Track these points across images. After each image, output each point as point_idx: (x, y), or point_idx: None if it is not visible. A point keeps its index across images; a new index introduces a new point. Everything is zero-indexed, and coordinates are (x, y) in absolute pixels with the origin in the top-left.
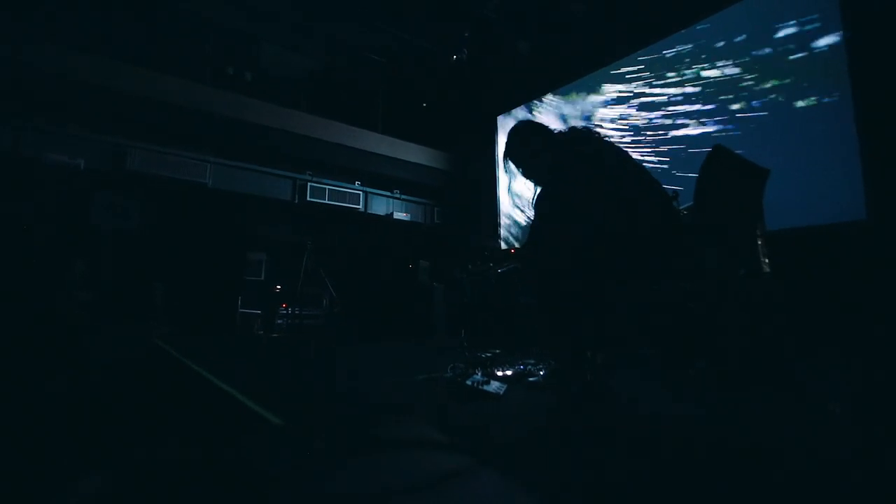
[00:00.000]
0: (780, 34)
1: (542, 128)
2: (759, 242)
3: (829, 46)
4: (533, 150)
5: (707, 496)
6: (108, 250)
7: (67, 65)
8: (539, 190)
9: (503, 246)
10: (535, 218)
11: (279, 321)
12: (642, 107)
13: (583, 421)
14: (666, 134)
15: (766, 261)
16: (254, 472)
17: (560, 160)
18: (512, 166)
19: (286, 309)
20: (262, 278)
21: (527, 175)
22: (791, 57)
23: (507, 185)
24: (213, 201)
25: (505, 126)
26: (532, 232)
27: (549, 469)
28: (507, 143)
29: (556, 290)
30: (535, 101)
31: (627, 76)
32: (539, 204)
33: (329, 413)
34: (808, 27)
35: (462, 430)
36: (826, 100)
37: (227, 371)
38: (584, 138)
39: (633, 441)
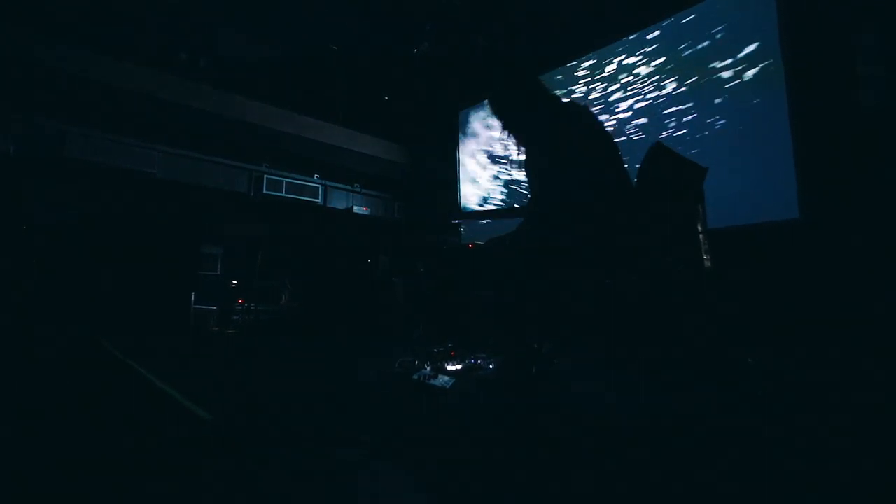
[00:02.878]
0: (717, 37)
1: (542, 83)
2: (701, 238)
3: (764, 49)
4: (541, 100)
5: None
6: (44, 245)
7: None
8: (537, 148)
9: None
10: (540, 183)
11: (235, 317)
12: (592, 105)
13: (515, 412)
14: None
15: (707, 257)
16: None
17: (570, 120)
18: (497, 119)
19: (242, 304)
20: (219, 273)
21: (522, 129)
22: (727, 60)
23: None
24: (163, 192)
25: (472, 119)
26: (540, 200)
27: (452, 462)
28: (509, 92)
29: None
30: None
31: (576, 76)
32: (538, 161)
33: (259, 409)
34: (744, 30)
35: (386, 427)
36: (761, 105)
37: (167, 368)
38: (585, 110)
39: (562, 435)
